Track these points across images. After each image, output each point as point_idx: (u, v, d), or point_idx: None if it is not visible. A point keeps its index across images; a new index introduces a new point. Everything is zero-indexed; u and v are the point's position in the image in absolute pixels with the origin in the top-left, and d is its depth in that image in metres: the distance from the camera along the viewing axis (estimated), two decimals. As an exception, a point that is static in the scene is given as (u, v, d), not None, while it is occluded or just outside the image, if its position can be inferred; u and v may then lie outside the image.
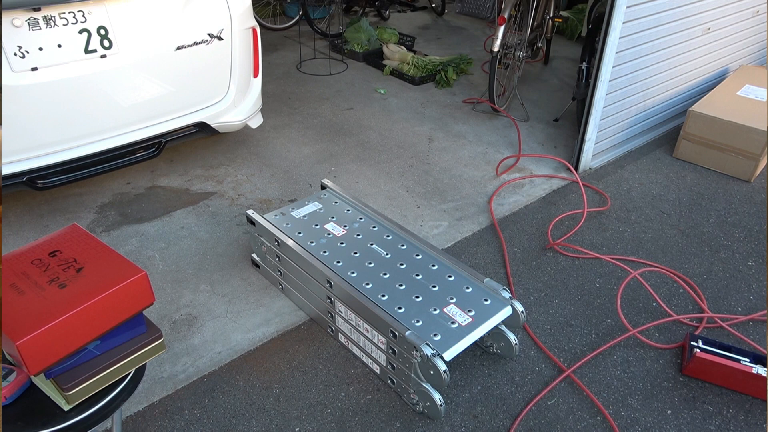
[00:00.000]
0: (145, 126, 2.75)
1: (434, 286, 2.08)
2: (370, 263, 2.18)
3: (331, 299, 2.12)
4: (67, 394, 1.26)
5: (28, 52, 2.31)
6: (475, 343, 2.21)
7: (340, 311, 2.11)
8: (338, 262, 2.18)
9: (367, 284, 2.08)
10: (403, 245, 2.29)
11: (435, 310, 1.97)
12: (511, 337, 2.08)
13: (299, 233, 2.33)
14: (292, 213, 2.45)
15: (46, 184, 2.55)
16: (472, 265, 2.64)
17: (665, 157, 3.58)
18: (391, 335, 1.89)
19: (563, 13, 5.59)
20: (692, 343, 2.14)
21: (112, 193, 3.05)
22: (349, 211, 2.48)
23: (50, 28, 2.34)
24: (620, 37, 2.99)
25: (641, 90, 3.45)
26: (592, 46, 3.54)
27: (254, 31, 3.00)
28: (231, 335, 2.24)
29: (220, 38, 2.83)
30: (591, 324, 2.35)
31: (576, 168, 3.38)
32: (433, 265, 2.18)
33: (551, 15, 4.60)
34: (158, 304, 2.37)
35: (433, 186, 3.21)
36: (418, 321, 1.93)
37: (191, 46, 2.74)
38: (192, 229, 2.81)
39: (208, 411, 1.96)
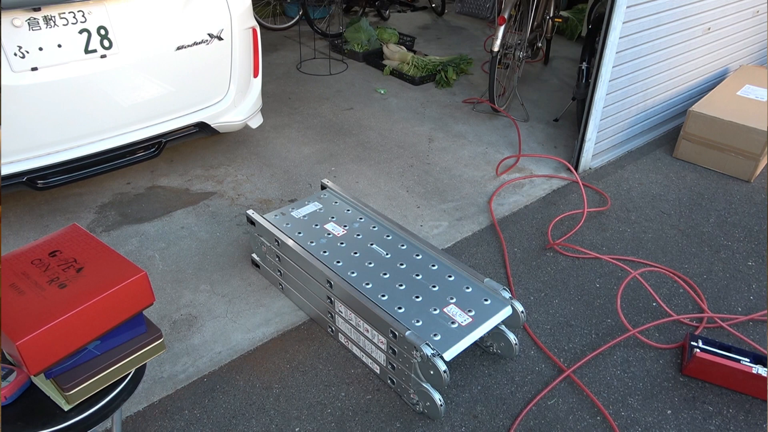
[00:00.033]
0: (145, 126, 2.75)
1: (434, 286, 2.08)
2: (370, 263, 2.18)
3: (331, 299, 2.12)
4: (67, 394, 1.26)
5: (28, 52, 2.31)
6: (475, 343, 2.21)
7: (340, 311, 2.11)
8: (338, 262, 2.18)
9: (367, 284, 2.08)
10: (403, 245, 2.29)
11: (435, 310, 1.97)
12: (511, 337, 2.08)
13: (299, 233, 2.33)
14: (292, 213, 2.45)
15: (46, 184, 2.55)
16: (472, 265, 2.64)
17: (665, 157, 3.58)
18: (391, 335, 1.89)
19: (563, 13, 5.59)
20: (692, 343, 2.14)
21: (112, 193, 3.05)
22: (349, 211, 2.48)
23: (50, 28, 2.34)
24: (620, 37, 2.99)
25: (641, 90, 3.45)
26: (592, 46, 3.54)
27: (254, 31, 3.00)
28: (231, 335, 2.24)
29: (220, 38, 2.83)
30: (591, 324, 2.35)
31: (576, 168, 3.38)
32: (433, 265, 2.18)
33: (551, 15, 4.60)
34: (158, 304, 2.37)
35: (433, 186, 3.21)
36: (418, 321, 1.93)
37: (191, 46, 2.74)
38: (192, 229, 2.81)
39: (208, 411, 1.96)
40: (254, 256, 2.53)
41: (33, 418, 1.27)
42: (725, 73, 4.18)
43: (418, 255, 2.23)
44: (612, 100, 3.26)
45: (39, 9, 2.29)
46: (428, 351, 1.78)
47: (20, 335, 1.14)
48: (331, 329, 2.23)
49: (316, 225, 2.38)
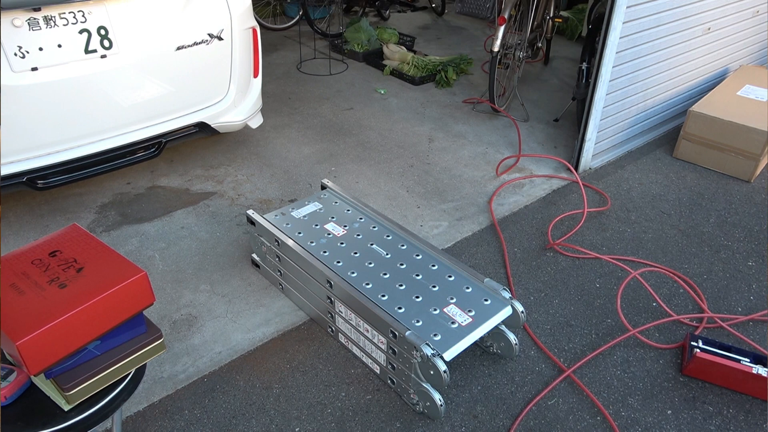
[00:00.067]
0: (145, 126, 2.75)
1: (434, 286, 2.08)
2: (370, 263, 2.18)
3: (331, 299, 2.12)
4: (67, 394, 1.26)
5: (28, 52, 2.31)
6: (475, 343, 2.21)
7: (340, 311, 2.11)
8: (338, 262, 2.18)
9: (367, 284, 2.08)
10: (403, 245, 2.29)
11: (435, 310, 1.97)
12: (511, 337, 2.08)
13: (299, 233, 2.33)
14: (292, 213, 2.45)
15: (46, 184, 2.55)
16: (472, 265, 2.64)
17: (665, 157, 3.58)
18: (391, 335, 1.89)
19: (563, 13, 5.59)
20: (692, 343, 2.14)
21: (112, 193, 3.05)
22: (349, 211, 2.48)
23: (50, 28, 2.34)
24: (620, 37, 2.99)
25: (641, 90, 3.45)
26: (592, 46, 3.54)
27: (254, 31, 3.00)
28: (231, 335, 2.24)
29: (220, 38, 2.83)
30: (591, 324, 2.35)
31: (576, 168, 3.38)
32: (433, 265, 2.18)
33: (551, 15, 4.60)
34: (158, 304, 2.37)
35: (433, 186, 3.21)
36: (418, 321, 1.93)
37: (191, 46, 2.74)
38: (192, 229, 2.81)
39: (208, 411, 1.96)
40: (254, 256, 2.53)
41: (33, 418, 1.27)
42: (725, 73, 4.18)
43: (418, 255, 2.23)
44: (612, 100, 3.26)
45: (39, 9, 2.29)
46: (428, 351, 1.78)
47: (20, 335, 1.14)
48: (331, 329, 2.23)
49: (316, 225, 2.38)
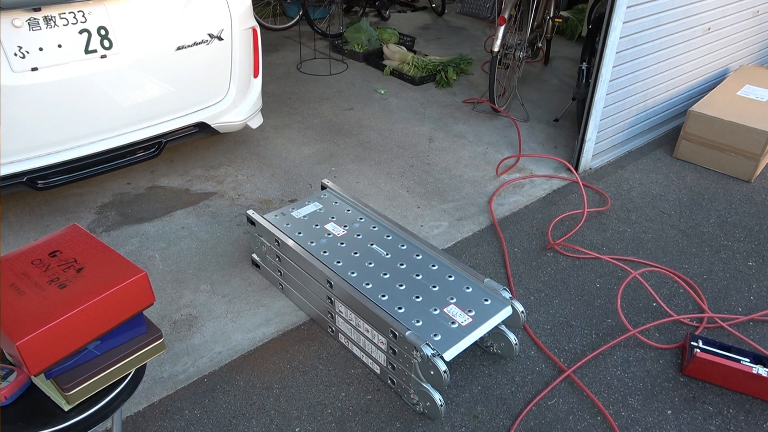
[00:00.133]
0: (145, 126, 2.75)
1: (434, 286, 2.08)
2: (371, 263, 2.18)
3: (331, 299, 2.12)
4: (67, 394, 1.26)
5: (28, 53, 2.31)
6: (475, 343, 2.21)
7: (340, 311, 2.11)
8: (338, 262, 2.18)
9: (368, 284, 2.08)
10: (403, 245, 2.29)
11: (435, 310, 1.97)
12: (512, 337, 2.08)
13: (299, 233, 2.33)
14: (292, 213, 2.45)
15: (46, 185, 2.55)
16: (472, 265, 2.64)
17: (665, 157, 3.58)
18: (391, 335, 1.89)
19: (563, 13, 5.59)
20: (692, 343, 2.14)
21: (112, 193, 3.05)
22: (350, 212, 2.48)
23: (50, 28, 2.34)
24: (620, 37, 2.99)
25: (641, 90, 3.45)
26: (592, 46, 3.54)
27: (254, 31, 3.00)
28: (231, 335, 2.24)
29: (220, 38, 2.83)
30: (591, 324, 2.35)
31: (576, 168, 3.38)
32: (434, 265, 2.18)
33: (551, 15, 4.60)
34: (158, 304, 2.37)
35: (434, 186, 3.21)
36: (418, 321, 1.93)
37: (191, 46, 2.74)
38: (192, 229, 2.81)
39: (209, 411, 1.96)
40: (254, 256, 2.53)
41: (33, 418, 1.27)
42: (725, 73, 4.18)
43: (418, 255, 2.23)
44: (612, 100, 3.26)
45: (39, 9, 2.29)
46: (428, 351, 1.78)
47: (20, 335, 1.14)
48: (332, 329, 2.22)
49: (317, 225, 2.38)
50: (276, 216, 2.43)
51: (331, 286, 2.09)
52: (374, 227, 2.38)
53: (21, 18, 2.26)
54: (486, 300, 2.02)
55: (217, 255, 2.65)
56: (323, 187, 2.66)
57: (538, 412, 1.99)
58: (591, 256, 2.71)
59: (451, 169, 3.38)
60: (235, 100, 3.02)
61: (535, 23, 4.34)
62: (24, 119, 2.38)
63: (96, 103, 2.54)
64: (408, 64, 4.63)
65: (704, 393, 2.08)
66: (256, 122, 3.24)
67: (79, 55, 2.43)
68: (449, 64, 4.60)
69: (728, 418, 1.99)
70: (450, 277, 2.13)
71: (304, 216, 2.43)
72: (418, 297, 2.02)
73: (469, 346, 1.92)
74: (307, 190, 3.13)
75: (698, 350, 2.08)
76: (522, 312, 2.02)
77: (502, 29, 3.61)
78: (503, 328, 2.09)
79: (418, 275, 2.13)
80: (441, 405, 1.86)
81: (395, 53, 4.78)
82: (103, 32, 2.47)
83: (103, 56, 2.49)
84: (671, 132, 3.88)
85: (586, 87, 3.31)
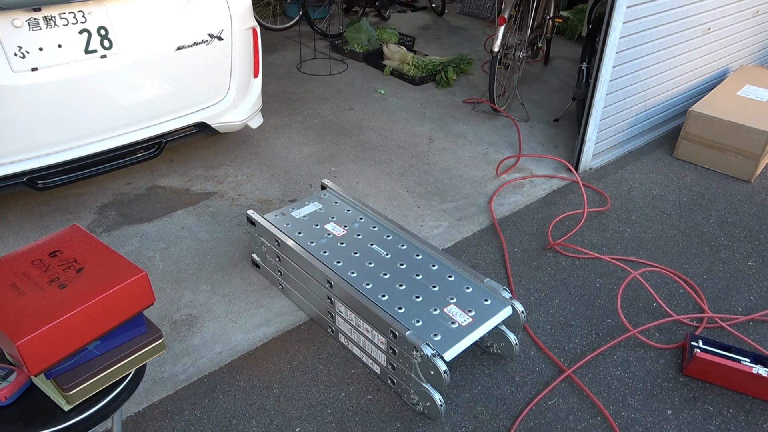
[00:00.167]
0: (145, 126, 2.75)
1: (434, 286, 2.08)
2: (371, 263, 2.18)
3: (331, 299, 2.12)
4: (67, 394, 1.26)
5: (28, 53, 2.31)
6: (475, 343, 2.21)
7: (340, 311, 2.11)
8: (338, 262, 2.18)
9: (368, 284, 2.08)
10: (403, 245, 2.29)
11: (435, 310, 1.97)
12: (512, 337, 2.08)
13: (299, 233, 2.33)
14: (292, 213, 2.45)
15: (46, 185, 2.55)
16: (472, 265, 2.64)
17: (665, 157, 3.58)
18: (391, 335, 1.89)
19: (563, 13, 5.59)
20: (692, 343, 2.14)
21: (112, 193, 3.05)
22: (350, 212, 2.48)
23: (50, 28, 2.34)
24: (620, 37, 2.99)
25: (641, 90, 3.45)
26: (592, 46, 3.54)
27: (254, 31, 3.00)
28: (231, 335, 2.24)
29: (220, 38, 2.83)
30: (591, 324, 2.35)
31: (576, 168, 3.38)
32: (434, 265, 2.18)
33: (551, 15, 4.60)
34: (158, 305, 2.37)
35: (434, 186, 3.21)
36: (418, 321, 1.93)
37: (191, 46, 2.74)
38: (192, 230, 2.81)
39: (209, 411, 1.96)
40: (254, 256, 2.53)
41: (33, 418, 1.27)
42: (725, 73, 4.18)
43: (418, 255, 2.23)
44: (612, 100, 3.26)
45: (39, 9, 2.29)
46: (428, 351, 1.78)
47: (20, 335, 1.14)
48: (332, 329, 2.22)
49: (317, 225, 2.38)
50: (276, 216, 2.43)
51: (331, 286, 2.09)
52: (374, 227, 2.39)
53: (21, 18, 2.26)
54: (486, 300, 2.02)
55: (217, 255, 2.65)
56: (323, 187, 2.66)
57: (538, 412, 1.99)
58: (591, 256, 2.71)
59: (451, 169, 3.38)
60: (235, 100, 3.02)
61: (535, 23, 4.34)
62: (24, 119, 2.38)
63: (96, 103, 2.54)
64: (408, 64, 4.63)
65: (704, 393, 2.08)
66: (256, 122, 3.24)
67: (79, 55, 2.43)
68: (449, 64, 4.60)
69: (728, 418, 1.99)
70: (450, 277, 2.13)
71: (304, 216, 2.43)
72: (418, 297, 2.02)
73: (469, 346, 1.92)
74: (307, 190, 3.13)
75: (698, 350, 2.08)
76: (522, 312, 2.02)
77: (502, 29, 3.61)
78: (503, 328, 2.09)
79: (418, 275, 2.13)
80: (441, 405, 1.86)
81: (395, 53, 4.78)
82: (103, 32, 2.47)
83: (103, 56, 2.49)
84: (671, 132, 3.88)
85: (586, 87, 3.31)
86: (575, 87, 3.65)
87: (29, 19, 2.28)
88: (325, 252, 2.23)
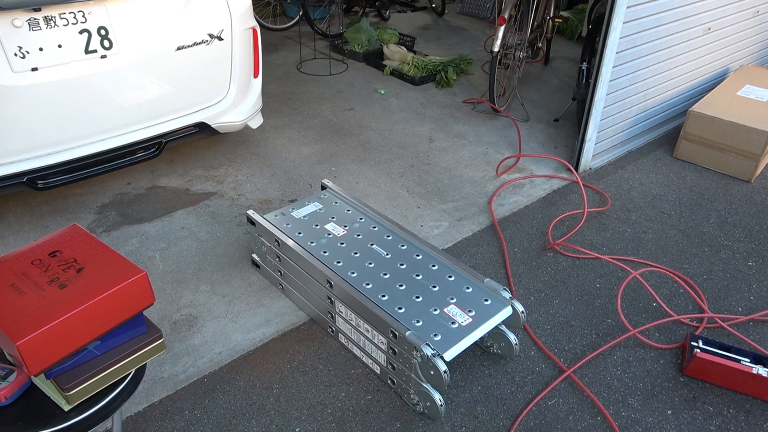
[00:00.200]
0: (145, 126, 2.75)
1: (434, 287, 2.08)
2: (371, 263, 2.18)
3: (331, 299, 2.12)
4: (67, 394, 1.26)
5: (28, 53, 2.31)
6: (475, 344, 2.21)
7: (340, 311, 2.11)
8: (338, 262, 2.18)
9: (368, 284, 2.08)
10: (403, 245, 2.29)
11: (435, 310, 1.97)
12: (512, 337, 2.08)
13: (299, 233, 2.33)
14: (292, 213, 2.45)
15: (46, 185, 2.55)
16: (472, 265, 2.64)
17: (665, 157, 3.58)
18: (391, 335, 1.89)
19: (563, 14, 5.59)
20: (692, 343, 2.14)
21: (112, 193, 3.05)
22: (350, 212, 2.48)
23: (50, 28, 2.34)
24: (620, 37, 2.99)
25: (641, 90, 3.45)
26: (592, 46, 3.54)
27: (254, 31, 3.00)
28: (231, 335, 2.24)
29: (220, 38, 2.83)
30: (591, 324, 2.35)
31: (576, 168, 3.38)
32: (434, 266, 2.18)
33: (551, 15, 4.60)
34: (158, 305, 2.37)
35: (434, 186, 3.21)
36: (418, 321, 1.93)
37: (191, 46, 2.74)
38: (192, 230, 2.81)
39: (209, 411, 1.96)
40: (254, 256, 2.53)
41: (33, 418, 1.27)
42: (725, 73, 4.18)
43: (418, 255, 2.23)
44: (612, 100, 3.26)
45: (39, 9, 2.29)
46: (428, 351, 1.78)
47: (20, 335, 1.14)
48: (332, 329, 2.22)
49: (317, 225, 2.38)
50: (276, 216, 2.43)
51: (331, 286, 2.09)
52: (374, 227, 2.39)
53: (21, 18, 2.26)
54: (486, 300, 2.02)
55: (217, 255, 2.65)
56: (323, 187, 2.66)
57: (538, 412, 1.99)
58: (591, 256, 2.71)
59: (451, 169, 3.38)
60: (235, 100, 3.03)
61: (535, 23, 4.34)
62: (24, 119, 2.38)
63: (96, 103, 2.54)
64: (408, 64, 4.63)
65: (704, 393, 2.08)
66: (256, 122, 3.24)
67: (79, 55, 2.43)
68: (449, 64, 4.60)
69: (728, 418, 1.99)
70: (450, 277, 2.13)
71: (304, 216, 2.43)
72: (418, 297, 2.02)
73: (469, 346, 1.92)
74: (307, 190, 3.13)
75: (698, 350, 2.08)
76: (522, 312, 2.02)
77: (502, 29, 3.61)
78: (503, 328, 2.09)
79: (418, 275, 2.13)
80: (441, 405, 1.86)
81: (395, 53, 4.78)
82: (103, 32, 2.47)
83: (103, 56, 2.50)
84: (671, 132, 3.88)
85: (586, 87, 3.31)
86: (575, 87, 3.65)
87: (29, 19, 2.28)
88: (325, 252, 2.23)
